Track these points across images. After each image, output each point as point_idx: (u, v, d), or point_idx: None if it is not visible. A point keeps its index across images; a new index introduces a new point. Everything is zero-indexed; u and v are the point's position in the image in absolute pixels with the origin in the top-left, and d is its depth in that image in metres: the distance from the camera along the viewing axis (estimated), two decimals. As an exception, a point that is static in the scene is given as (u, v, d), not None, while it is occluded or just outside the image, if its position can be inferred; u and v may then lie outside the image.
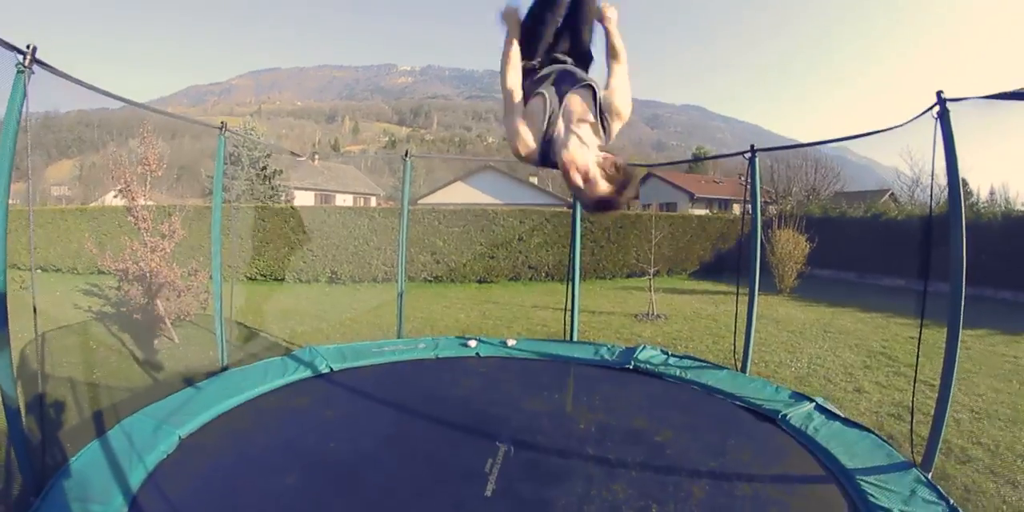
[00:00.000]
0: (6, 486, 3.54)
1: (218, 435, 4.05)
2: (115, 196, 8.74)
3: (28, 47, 3.08)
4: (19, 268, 15.42)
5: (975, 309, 3.86)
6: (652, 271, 11.06)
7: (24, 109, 3.11)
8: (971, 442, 4.57)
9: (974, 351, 7.59)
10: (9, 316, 3.11)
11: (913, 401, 4.21)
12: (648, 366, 5.78)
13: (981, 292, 11.78)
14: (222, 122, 5.77)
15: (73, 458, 3.48)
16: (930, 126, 3.58)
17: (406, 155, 7.24)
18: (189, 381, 5.23)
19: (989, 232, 12.36)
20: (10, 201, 3.16)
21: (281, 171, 31.46)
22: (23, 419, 3.23)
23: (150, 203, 7.96)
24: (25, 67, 3.08)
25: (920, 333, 3.93)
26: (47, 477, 3.29)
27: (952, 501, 3.15)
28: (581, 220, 7.50)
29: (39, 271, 16.18)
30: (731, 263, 16.62)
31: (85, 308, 10.10)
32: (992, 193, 26.71)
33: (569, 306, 7.32)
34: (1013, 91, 3.23)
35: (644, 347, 6.24)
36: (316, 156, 54.75)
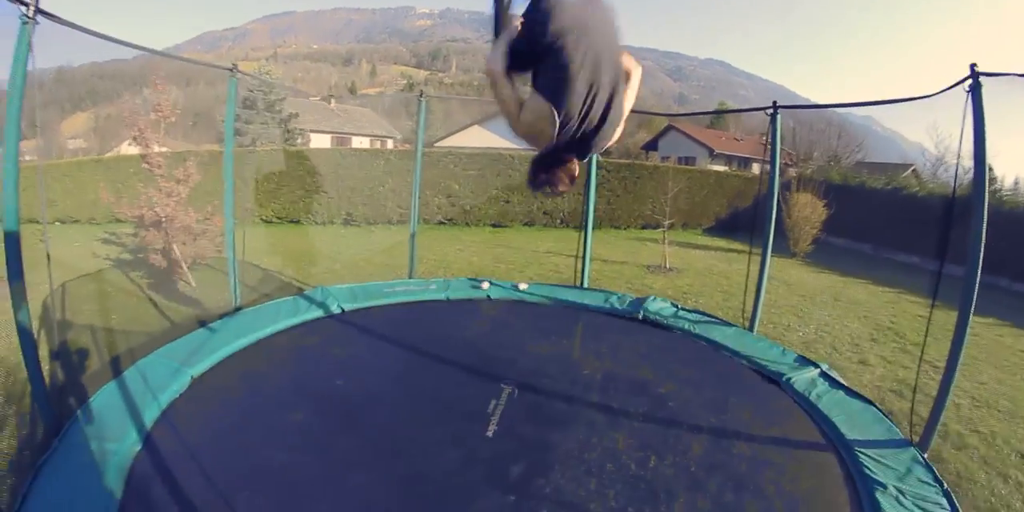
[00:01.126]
0: (30, 432, 3.64)
1: (229, 374, 4.13)
2: (129, 144, 8.72)
3: None
4: (37, 222, 15.55)
5: (988, 297, 3.80)
6: (667, 223, 10.99)
7: (30, 62, 3.09)
8: (968, 429, 4.56)
9: (982, 338, 7.41)
10: (30, 267, 3.17)
11: (917, 380, 4.20)
12: (657, 317, 5.79)
13: (996, 281, 11.49)
14: (233, 64, 5.68)
15: (89, 399, 3.55)
16: (960, 101, 3.47)
17: (420, 95, 7.15)
18: (204, 323, 5.29)
19: (1011, 222, 11.98)
20: (27, 157, 3.16)
21: (297, 114, 31.22)
22: (45, 366, 3.30)
23: (164, 149, 7.96)
24: (29, 18, 3.04)
25: (931, 313, 3.91)
26: (65, 419, 3.37)
27: (946, 485, 3.16)
28: (598, 168, 7.43)
29: (58, 223, 16.25)
30: (746, 222, 16.42)
31: (104, 256, 10.20)
32: (1017, 182, 26.10)
33: (581, 253, 7.31)
34: None
35: (654, 298, 6.25)
36: (332, 98, 54.20)
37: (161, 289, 7.57)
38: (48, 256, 3.52)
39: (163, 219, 7.49)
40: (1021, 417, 4.96)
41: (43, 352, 4.15)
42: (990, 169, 3.49)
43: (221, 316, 5.40)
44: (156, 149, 7.64)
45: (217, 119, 33.38)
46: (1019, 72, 3.23)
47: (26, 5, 3.02)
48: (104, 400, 3.54)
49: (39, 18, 3.10)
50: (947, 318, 3.76)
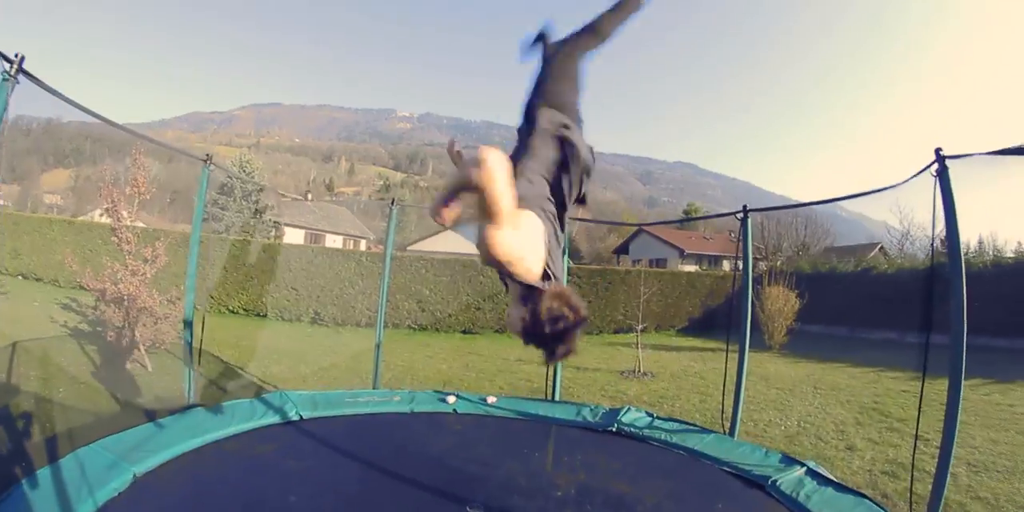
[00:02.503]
0: None
1: (174, 476, 3.84)
2: (101, 215, 8.69)
3: (16, 56, 3.07)
4: (1, 273, 15.34)
5: (968, 358, 3.77)
6: (640, 327, 10.92)
7: (4, 118, 3.10)
8: (969, 497, 4.45)
9: (969, 401, 7.36)
10: None
11: (914, 458, 4.07)
12: (632, 429, 5.56)
13: (974, 341, 11.58)
14: (207, 155, 5.67)
15: (19, 483, 3.29)
16: (925, 182, 3.55)
17: (392, 202, 7.15)
18: (154, 414, 5.01)
19: (980, 281, 12.31)
20: (1, 203, 3.13)
21: (273, 206, 31.50)
22: None
23: (138, 224, 7.88)
24: (11, 76, 3.05)
25: (922, 386, 3.85)
26: None
27: None
28: (569, 275, 7.37)
29: (20, 277, 16.02)
30: (720, 319, 16.53)
31: (61, 323, 9.93)
32: (981, 242, 26.94)
33: (553, 363, 7.11)
34: (1015, 147, 3.18)
35: (628, 409, 6.03)
36: (310, 194, 54.91)
37: (114, 369, 7.28)
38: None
39: (125, 297, 7.31)
40: (1021, 473, 4.92)
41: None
42: None
43: (173, 411, 5.10)
44: (127, 223, 7.55)
45: (194, 200, 33.57)
46: (983, 151, 3.28)
47: (9, 62, 3.04)
48: (35, 486, 3.28)
49: (20, 78, 3.11)
50: (930, 388, 3.73)
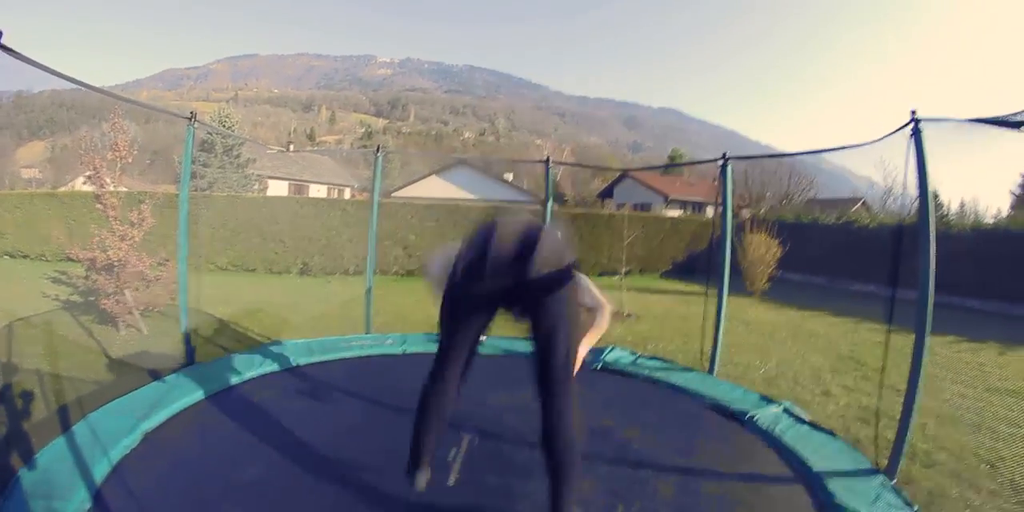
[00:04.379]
0: None
1: (182, 430, 4.01)
2: (84, 183, 8.64)
3: None
4: None
5: (943, 316, 3.94)
6: (624, 270, 11.09)
7: None
8: (936, 447, 4.64)
9: (941, 357, 7.70)
10: None
11: (879, 405, 4.25)
12: (616, 366, 5.80)
13: (949, 300, 12.03)
14: (191, 112, 5.64)
15: (37, 454, 3.43)
16: (903, 141, 3.66)
17: (378, 150, 7.14)
18: (156, 373, 5.16)
19: (959, 243, 12.65)
20: None
21: (255, 159, 31.13)
22: None
23: (121, 189, 7.85)
24: None
25: (887, 338, 4.01)
26: (9, 474, 3.24)
27: (916, 507, 3.21)
28: (553, 219, 7.48)
29: (7, 257, 15.88)
30: (703, 264, 16.81)
31: (53, 297, 9.98)
32: (963, 206, 27.38)
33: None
34: (989, 118, 3.27)
35: (613, 348, 6.26)
36: (291, 145, 54.13)
37: (112, 336, 7.39)
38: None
39: (115, 263, 7.39)
40: (987, 429, 5.10)
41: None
42: (936, 195, 3.66)
43: (174, 369, 5.25)
44: (111, 189, 7.55)
45: (175, 160, 33.14)
46: (959, 119, 3.39)
47: None
48: (52, 455, 3.42)
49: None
50: (905, 341, 3.85)
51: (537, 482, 3.37)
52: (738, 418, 4.51)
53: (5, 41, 3.06)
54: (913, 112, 3.60)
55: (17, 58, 3.26)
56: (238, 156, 29.51)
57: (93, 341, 7.18)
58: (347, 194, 45.17)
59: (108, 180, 7.55)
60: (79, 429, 3.76)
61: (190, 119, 5.56)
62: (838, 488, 3.34)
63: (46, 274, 12.45)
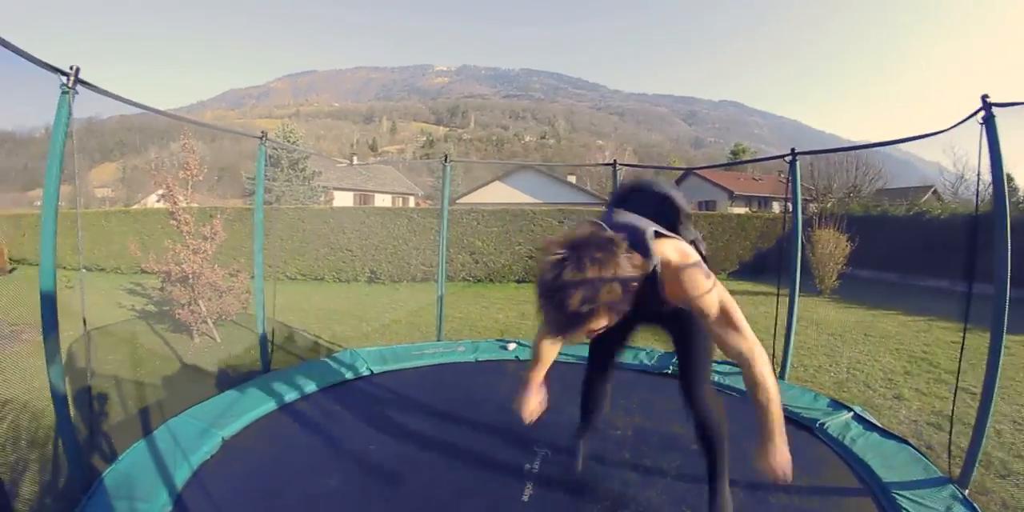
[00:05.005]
0: (52, 478, 3.69)
1: (260, 437, 4.13)
2: (157, 200, 9.04)
3: (71, 68, 3.17)
4: (65, 268, 15.98)
5: (1021, 313, 3.76)
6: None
7: (70, 127, 3.21)
8: (1012, 455, 4.41)
9: (1019, 358, 7.21)
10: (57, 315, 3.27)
11: (953, 411, 4.08)
12: (688, 371, 5.72)
13: None
14: (262, 131, 5.86)
15: (120, 457, 3.58)
16: (974, 126, 3.52)
17: (446, 159, 7.24)
18: (231, 381, 5.35)
19: None
20: (60, 203, 3.30)
21: (320, 172, 31.88)
22: (71, 415, 3.37)
23: (193, 205, 8.18)
24: (69, 88, 3.17)
25: (963, 338, 3.81)
26: (93, 474, 3.40)
27: None
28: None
29: (84, 270, 16.66)
30: (771, 263, 16.41)
31: (129, 307, 10.42)
32: None
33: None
34: None
35: (682, 352, 6.19)
36: (355, 157, 55.22)
37: (186, 344, 7.69)
38: (83, 309, 3.61)
39: (190, 275, 7.67)
40: None
41: (69, 400, 4.22)
42: (1010, 179, 3.55)
43: (248, 375, 5.44)
44: (183, 205, 7.85)
45: (243, 175, 34.12)
46: None
47: (67, 75, 3.14)
48: (134, 458, 3.57)
49: (78, 88, 3.23)
50: (981, 341, 3.66)
51: (609, 493, 3.42)
52: (808, 426, 4.43)
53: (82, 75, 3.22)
54: (984, 97, 3.44)
55: (96, 92, 3.40)
56: (303, 169, 30.25)
57: (168, 349, 7.46)
58: (411, 202, 45.84)
59: (181, 197, 7.83)
60: (160, 434, 3.91)
61: (261, 138, 5.78)
62: (907, 499, 3.25)
63: (121, 286, 13.06)
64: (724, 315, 2.27)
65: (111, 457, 3.63)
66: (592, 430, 3.67)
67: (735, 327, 2.26)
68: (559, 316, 1.88)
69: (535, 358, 3.09)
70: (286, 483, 3.52)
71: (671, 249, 2.26)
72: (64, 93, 3.17)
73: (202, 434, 3.95)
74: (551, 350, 3.08)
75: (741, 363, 2.27)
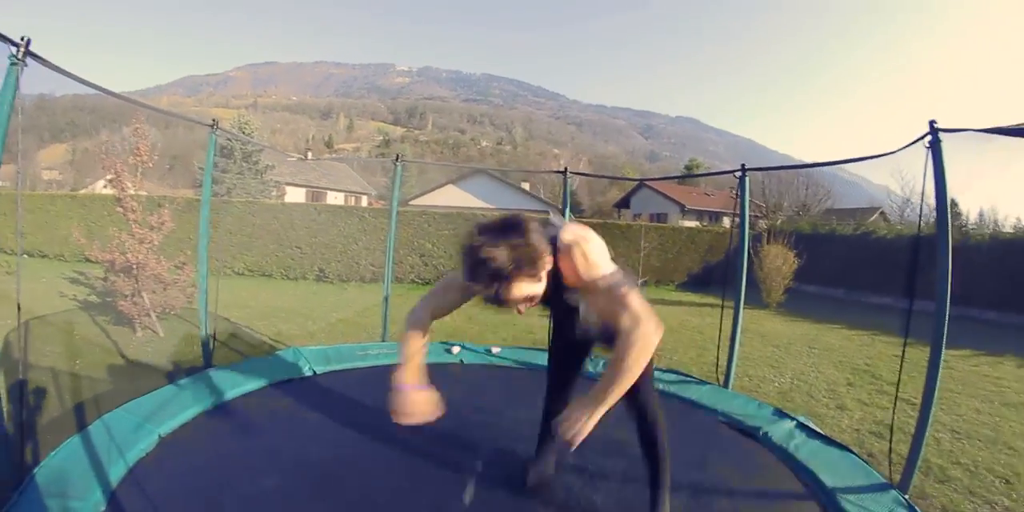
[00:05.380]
0: None
1: (198, 435, 4.03)
2: (105, 186, 8.76)
3: (22, 39, 3.06)
4: (5, 252, 15.42)
5: (960, 329, 3.92)
6: (640, 282, 11.06)
7: (16, 100, 3.07)
8: (951, 462, 4.62)
9: (957, 371, 7.65)
10: None
11: (893, 420, 4.20)
12: (631, 380, 5.73)
13: (966, 312, 11.93)
14: (213, 119, 5.70)
15: (52, 453, 3.45)
16: (920, 151, 3.65)
17: (397, 159, 7.17)
18: (172, 376, 5.22)
19: (977, 254, 12.57)
20: (2, 183, 3.14)
21: (273, 166, 31.36)
22: (3, 408, 3.21)
23: (141, 193, 7.95)
24: (19, 60, 3.05)
25: (903, 352, 3.96)
26: (25, 470, 3.27)
27: None
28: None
29: (26, 256, 16.13)
30: (719, 275, 16.74)
31: (71, 296, 10.11)
32: (981, 215, 27.12)
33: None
34: (1009, 127, 3.28)
35: (628, 360, 6.20)
36: (309, 153, 54.51)
37: (128, 337, 7.48)
38: (18, 300, 3.44)
39: (134, 266, 7.47)
40: (1003, 444, 5.07)
41: (0, 391, 4.05)
42: (954, 204, 3.67)
43: (190, 371, 5.31)
44: (132, 193, 7.64)
45: (195, 165, 33.44)
46: (978, 128, 3.38)
47: (16, 46, 3.03)
48: (68, 454, 3.44)
49: (28, 60, 3.11)
50: (921, 355, 3.80)
51: (552, 498, 3.39)
52: (752, 433, 4.48)
53: (33, 47, 3.11)
54: (932, 123, 3.59)
55: (46, 66, 3.30)
56: (257, 162, 29.73)
57: (109, 341, 7.25)
58: (364, 201, 45.44)
59: (129, 184, 7.62)
60: (95, 429, 3.78)
61: (212, 126, 5.62)
62: (851, 504, 3.32)
63: (64, 274, 12.67)
64: (612, 291, 2.33)
65: (45, 453, 3.46)
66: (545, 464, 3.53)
67: (622, 303, 2.27)
68: (481, 273, 2.18)
69: (404, 350, 2.83)
70: (223, 483, 3.44)
71: (570, 230, 2.42)
72: (13, 64, 3.05)
73: (138, 430, 3.84)
74: (418, 341, 2.84)
75: (619, 340, 2.29)
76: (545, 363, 6.03)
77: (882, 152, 4.22)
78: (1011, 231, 16.10)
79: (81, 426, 3.88)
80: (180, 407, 4.30)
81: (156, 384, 4.85)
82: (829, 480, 3.62)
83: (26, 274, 12.60)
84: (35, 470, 3.24)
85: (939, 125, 3.56)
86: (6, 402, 3.96)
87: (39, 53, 3.17)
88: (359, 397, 5.02)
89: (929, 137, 3.60)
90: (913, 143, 3.74)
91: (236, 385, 4.90)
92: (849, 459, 3.97)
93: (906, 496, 3.49)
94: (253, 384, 5.01)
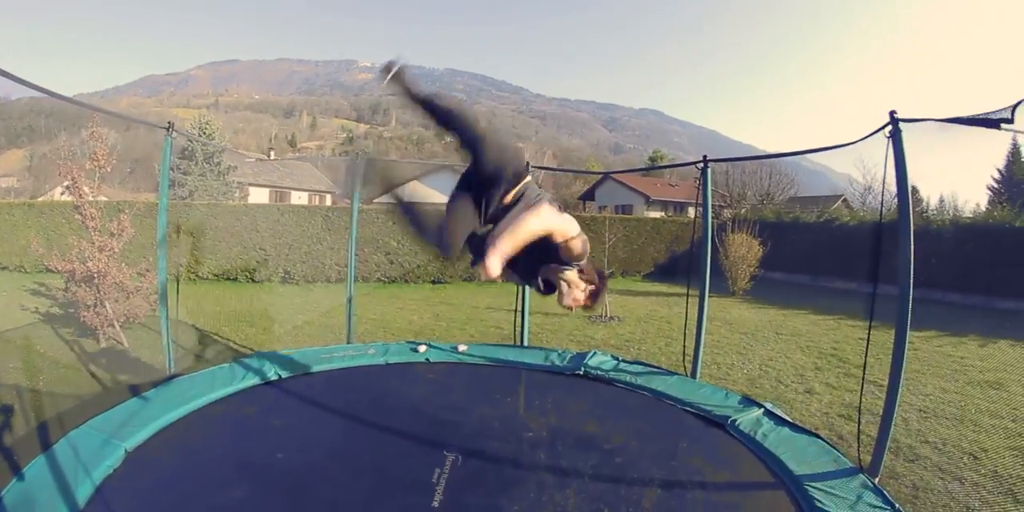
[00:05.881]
0: None
1: (165, 447, 3.97)
2: (62, 193, 8.54)
3: None
4: None
5: (923, 311, 3.99)
6: (606, 273, 11.09)
7: None
8: (919, 441, 4.73)
9: (922, 352, 7.81)
10: None
11: (860, 402, 4.29)
12: (598, 372, 5.77)
13: (929, 295, 12.13)
14: (169, 122, 5.58)
15: (17, 476, 3.38)
16: (882, 140, 3.73)
17: (356, 155, 7.06)
18: (137, 389, 5.10)
19: (939, 238, 12.86)
20: None
21: (236, 167, 30.88)
22: None
23: (101, 198, 7.77)
24: None
25: (868, 334, 4.01)
26: None
27: (898, 505, 3.23)
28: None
29: None
30: (685, 265, 16.77)
31: (32, 309, 9.93)
32: (942, 201, 27.75)
33: (520, 309, 7.26)
34: (966, 117, 3.36)
35: (595, 353, 6.24)
36: (272, 152, 53.83)
37: (92, 349, 7.34)
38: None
39: (95, 274, 7.30)
40: (968, 421, 5.21)
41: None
42: (915, 191, 3.72)
43: (154, 383, 5.19)
44: (90, 199, 7.46)
45: (156, 168, 32.84)
46: (935, 118, 3.42)
47: None
48: (33, 475, 3.38)
49: None
50: (886, 337, 3.91)
51: (523, 496, 3.35)
52: (720, 423, 4.50)
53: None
54: (892, 113, 3.67)
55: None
56: (219, 163, 29.24)
57: (73, 355, 7.10)
58: (328, 200, 44.98)
59: (87, 190, 7.45)
60: (60, 448, 3.71)
61: (167, 129, 5.53)
62: (819, 491, 3.37)
63: (24, 286, 12.43)
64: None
65: (9, 477, 3.35)
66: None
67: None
68: None
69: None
70: (191, 495, 3.40)
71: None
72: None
73: (104, 446, 3.77)
74: None
75: None
76: (512, 359, 6.02)
77: (845, 142, 4.29)
78: (971, 216, 16.47)
79: (46, 446, 3.81)
80: (145, 419, 4.24)
81: (121, 397, 4.78)
82: (797, 468, 3.68)
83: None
84: (1, 493, 3.17)
85: (899, 115, 3.60)
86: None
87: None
88: (325, 401, 4.98)
89: (890, 127, 3.68)
90: (874, 133, 3.84)
91: (201, 394, 4.84)
92: (817, 445, 4.03)
93: (875, 479, 3.55)
94: (218, 392, 4.95)
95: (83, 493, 3.23)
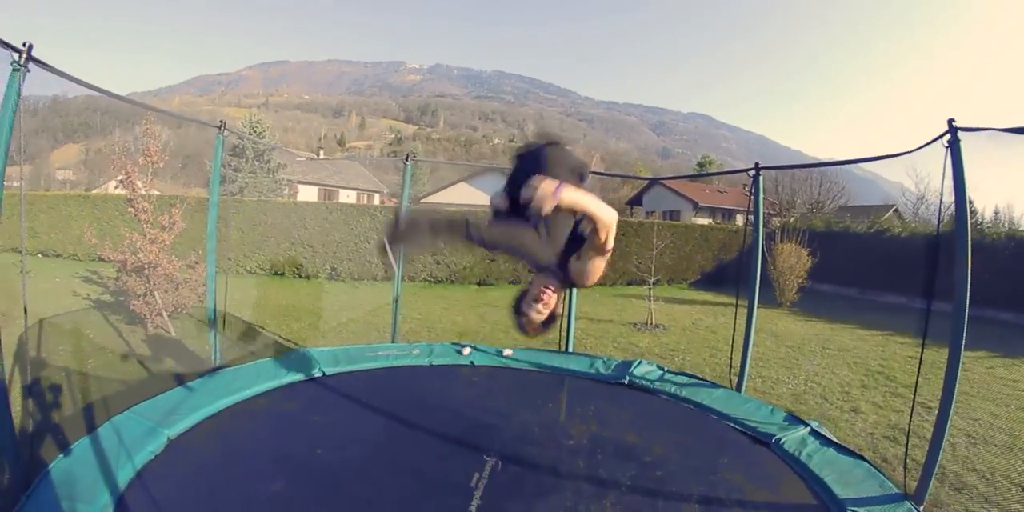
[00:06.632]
0: None
1: (206, 437, 4.01)
2: (116, 186, 8.79)
3: (24, 45, 3.05)
4: (17, 252, 15.51)
5: (975, 330, 3.83)
6: (652, 280, 11.02)
7: (20, 104, 3.08)
8: (966, 468, 4.54)
9: (972, 373, 7.50)
10: (7, 299, 3.11)
11: (910, 426, 4.10)
12: (643, 382, 5.68)
13: (982, 313, 11.69)
14: (221, 121, 5.69)
15: (61, 455, 3.44)
16: (937, 149, 3.58)
17: (407, 158, 7.12)
18: (182, 377, 5.20)
19: (993, 252, 12.38)
20: (13, 183, 3.14)
21: (285, 165, 31.38)
22: (16, 407, 3.22)
23: (153, 193, 7.97)
24: (20, 65, 3.05)
25: (921, 354, 3.87)
26: (34, 472, 3.26)
27: None
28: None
29: (40, 255, 16.28)
30: (732, 274, 16.62)
31: (83, 295, 10.21)
32: (997, 213, 26.80)
33: (566, 314, 7.22)
34: None
35: (640, 362, 6.14)
36: (321, 151, 54.56)
37: (139, 336, 7.50)
38: (24, 302, 3.43)
39: (146, 266, 7.49)
40: (1019, 450, 4.96)
41: (15, 390, 4.05)
42: (970, 202, 3.57)
43: (200, 373, 5.29)
44: (143, 193, 7.67)
45: (207, 164, 33.56)
46: (997, 127, 3.29)
47: (18, 52, 3.02)
48: (76, 457, 3.44)
49: (30, 66, 3.11)
50: (937, 356, 3.77)
51: (559, 504, 3.33)
52: (764, 440, 4.41)
53: (39, 48, 3.11)
54: (951, 121, 3.51)
55: (49, 70, 3.29)
56: (269, 161, 29.75)
57: (121, 341, 7.28)
58: (376, 200, 45.41)
59: (140, 184, 7.66)
60: (104, 431, 3.78)
61: (219, 127, 5.63)
62: None
63: (77, 273, 12.85)
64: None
65: (54, 455, 3.46)
66: None
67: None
68: None
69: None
70: (228, 486, 3.42)
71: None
72: (15, 70, 3.05)
73: (147, 433, 3.83)
74: None
75: None
76: (557, 365, 5.99)
77: (898, 151, 4.14)
78: (1029, 229, 15.86)
79: (91, 428, 3.87)
80: (189, 409, 4.30)
81: (166, 385, 4.86)
82: (841, 491, 3.55)
83: (40, 273, 12.71)
84: (44, 472, 3.23)
85: (958, 124, 3.48)
86: (19, 404, 3.96)
87: (44, 55, 3.16)
88: (367, 399, 4.98)
89: (948, 136, 3.52)
90: (931, 142, 3.66)
91: (245, 386, 4.89)
92: (862, 468, 3.89)
93: (920, 507, 3.41)
94: (262, 386, 5.00)
95: (124, 476, 3.30)
